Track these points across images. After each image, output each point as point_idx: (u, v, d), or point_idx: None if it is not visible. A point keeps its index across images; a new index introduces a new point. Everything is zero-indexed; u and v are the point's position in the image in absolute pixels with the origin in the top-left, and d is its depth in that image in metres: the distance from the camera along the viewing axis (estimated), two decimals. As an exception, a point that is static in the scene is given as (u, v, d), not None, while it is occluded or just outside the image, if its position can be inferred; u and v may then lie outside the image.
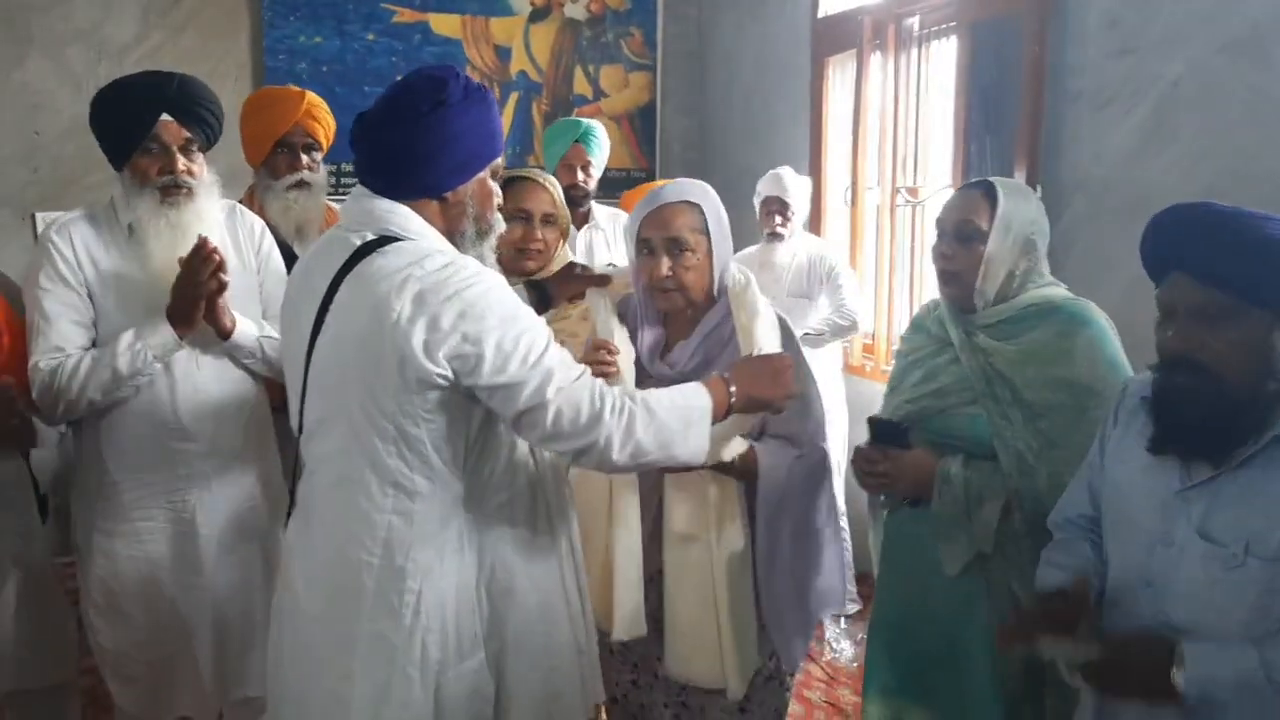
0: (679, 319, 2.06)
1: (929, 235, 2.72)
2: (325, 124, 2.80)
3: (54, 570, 2.42)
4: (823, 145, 4.35)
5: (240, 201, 2.66)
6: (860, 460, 1.97)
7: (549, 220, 2.34)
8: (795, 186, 3.86)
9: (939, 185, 3.78)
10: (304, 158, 2.73)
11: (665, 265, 1.96)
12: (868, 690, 2.13)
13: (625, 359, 2.02)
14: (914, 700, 2.01)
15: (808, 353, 3.56)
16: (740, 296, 2.01)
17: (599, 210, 3.65)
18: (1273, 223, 1.39)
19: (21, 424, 2.13)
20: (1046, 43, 3.06)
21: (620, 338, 2.05)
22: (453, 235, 1.64)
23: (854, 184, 4.12)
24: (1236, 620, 1.38)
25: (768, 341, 1.95)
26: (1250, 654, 1.33)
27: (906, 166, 3.95)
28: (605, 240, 3.59)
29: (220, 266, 2.11)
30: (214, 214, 2.25)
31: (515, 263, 2.33)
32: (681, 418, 1.61)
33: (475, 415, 1.60)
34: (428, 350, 1.48)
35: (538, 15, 5.11)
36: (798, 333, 3.50)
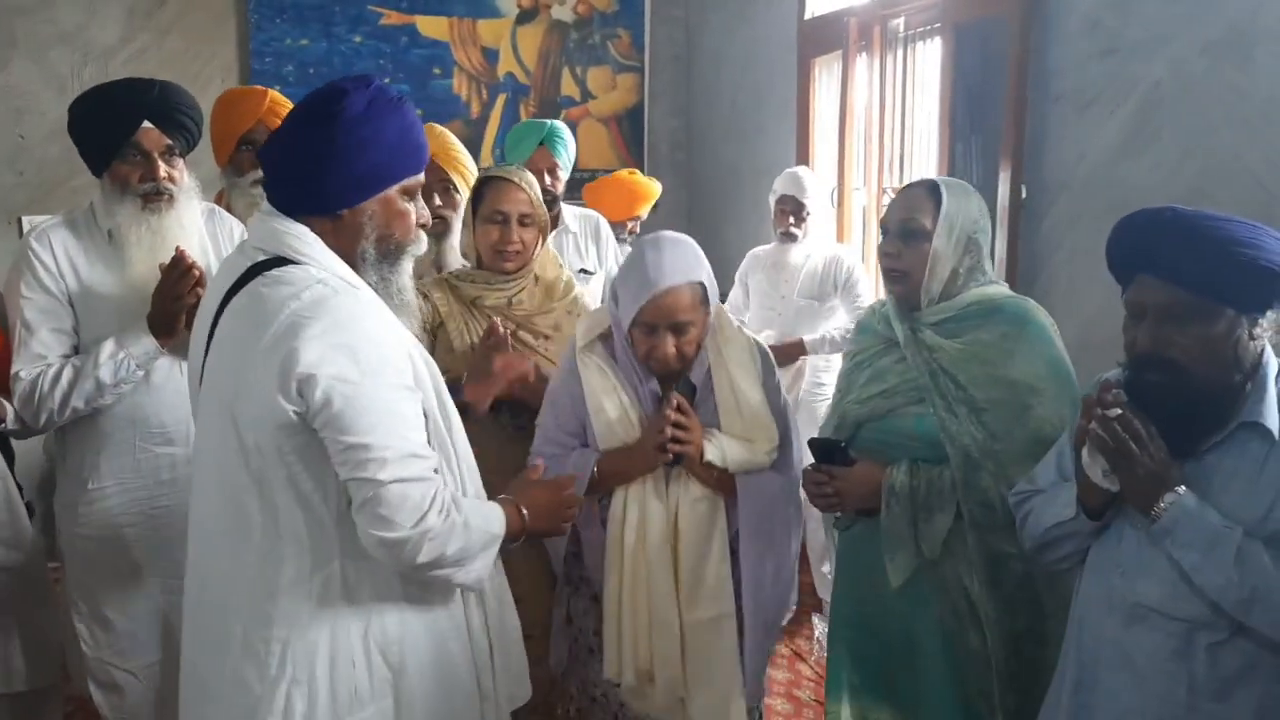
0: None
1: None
2: None
3: (43, 575, 2.42)
4: (809, 146, 4.36)
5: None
6: (809, 483, 1.99)
7: (526, 221, 2.32)
8: (812, 187, 3.74)
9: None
10: None
11: (671, 345, 1.96)
12: (831, 692, 2.15)
13: (615, 407, 2.03)
14: (879, 699, 2.04)
15: (826, 359, 3.66)
16: (716, 344, 2.04)
17: (568, 212, 3.54)
18: (1233, 225, 1.44)
19: None
20: (1030, 44, 3.08)
21: (609, 389, 2.05)
22: (350, 256, 1.54)
23: (840, 184, 4.13)
24: (1207, 600, 1.43)
25: (742, 380, 2.00)
26: (1238, 529, 1.41)
27: (892, 167, 3.97)
28: (576, 244, 3.49)
29: (199, 281, 2.11)
30: (195, 219, 2.25)
31: (494, 263, 2.33)
32: (482, 540, 1.53)
33: None
34: (284, 388, 1.39)
35: (525, 17, 5.12)
36: (816, 334, 3.61)
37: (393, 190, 1.54)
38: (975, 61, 3.46)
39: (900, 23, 3.86)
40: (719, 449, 1.97)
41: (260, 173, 2.61)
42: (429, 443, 1.50)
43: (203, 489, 1.55)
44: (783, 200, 3.75)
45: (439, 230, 2.66)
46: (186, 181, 2.22)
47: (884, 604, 1.97)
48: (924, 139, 3.84)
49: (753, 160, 4.81)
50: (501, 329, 2.21)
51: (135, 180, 2.14)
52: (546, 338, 2.35)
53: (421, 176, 1.59)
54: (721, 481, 2.00)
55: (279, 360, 1.40)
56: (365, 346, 1.43)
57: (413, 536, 1.42)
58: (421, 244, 1.62)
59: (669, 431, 1.94)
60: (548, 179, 3.34)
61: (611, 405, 2.02)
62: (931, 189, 1.91)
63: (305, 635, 1.46)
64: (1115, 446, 1.44)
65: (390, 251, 1.57)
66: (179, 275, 2.10)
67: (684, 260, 1.96)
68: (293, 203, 1.52)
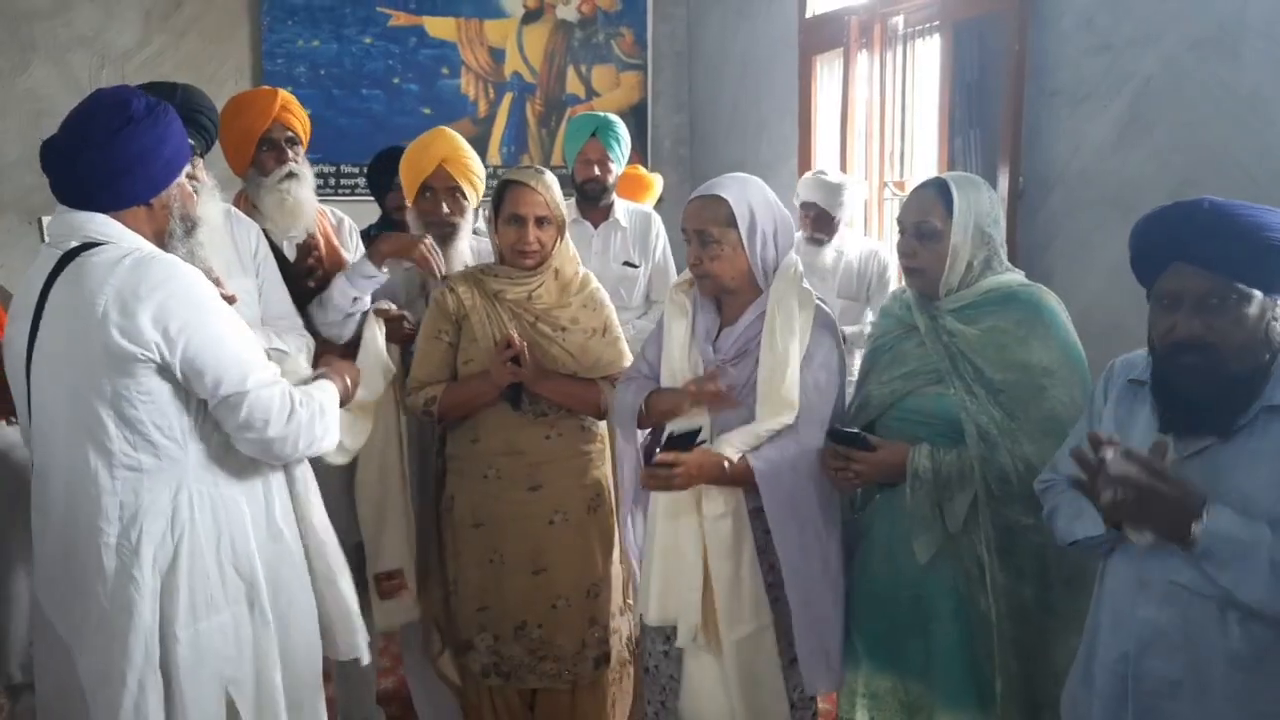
0: (731, 306, 2.20)
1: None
2: (301, 119, 2.83)
3: None
4: (811, 141, 4.45)
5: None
6: (828, 462, 2.07)
7: (543, 221, 2.42)
8: (833, 192, 3.63)
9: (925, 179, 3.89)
10: (289, 151, 2.76)
11: (693, 254, 2.13)
12: (846, 662, 2.23)
13: (678, 342, 2.20)
14: (881, 666, 2.14)
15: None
16: (775, 289, 2.14)
17: (620, 206, 3.59)
18: (1264, 212, 1.53)
19: None
20: (1027, 41, 3.18)
21: (680, 324, 2.21)
22: (161, 236, 1.82)
23: (842, 178, 4.23)
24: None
25: (785, 338, 2.08)
26: (1265, 531, 1.46)
27: (893, 161, 4.07)
28: (625, 239, 3.57)
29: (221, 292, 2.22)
30: (216, 218, 2.31)
31: (515, 261, 2.44)
32: (331, 408, 1.93)
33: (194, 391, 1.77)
34: (130, 336, 1.65)
35: (530, 17, 5.21)
36: (855, 327, 3.62)
37: (182, 176, 1.84)
38: (974, 58, 3.56)
39: (900, 20, 3.96)
40: (731, 445, 2.08)
41: (288, 168, 2.72)
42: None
43: (54, 458, 1.77)
44: (805, 206, 3.69)
45: (446, 234, 2.71)
46: (208, 181, 2.31)
47: (899, 573, 2.07)
48: (924, 134, 3.95)
49: (755, 156, 4.91)
50: (518, 341, 2.36)
51: None
52: (564, 329, 2.47)
53: (188, 164, 1.88)
54: (744, 474, 2.09)
55: (122, 318, 1.65)
56: (193, 291, 1.72)
57: (289, 431, 1.78)
58: (207, 216, 1.96)
59: (649, 482, 2.08)
60: (597, 169, 3.47)
61: (678, 342, 2.19)
62: (940, 189, 2.01)
63: (165, 552, 1.73)
64: (1135, 504, 1.47)
65: (190, 227, 1.87)
66: None
67: (725, 181, 2.15)
68: (101, 201, 1.75)
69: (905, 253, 2.05)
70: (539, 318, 2.46)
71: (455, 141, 2.75)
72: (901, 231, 2.07)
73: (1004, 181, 3.26)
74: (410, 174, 2.72)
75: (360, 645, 2.06)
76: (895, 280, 3.67)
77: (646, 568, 2.23)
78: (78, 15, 4.51)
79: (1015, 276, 2.06)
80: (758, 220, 2.12)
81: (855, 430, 2.05)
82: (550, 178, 2.48)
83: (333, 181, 4.87)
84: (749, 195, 2.13)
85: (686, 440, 2.07)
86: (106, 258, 1.69)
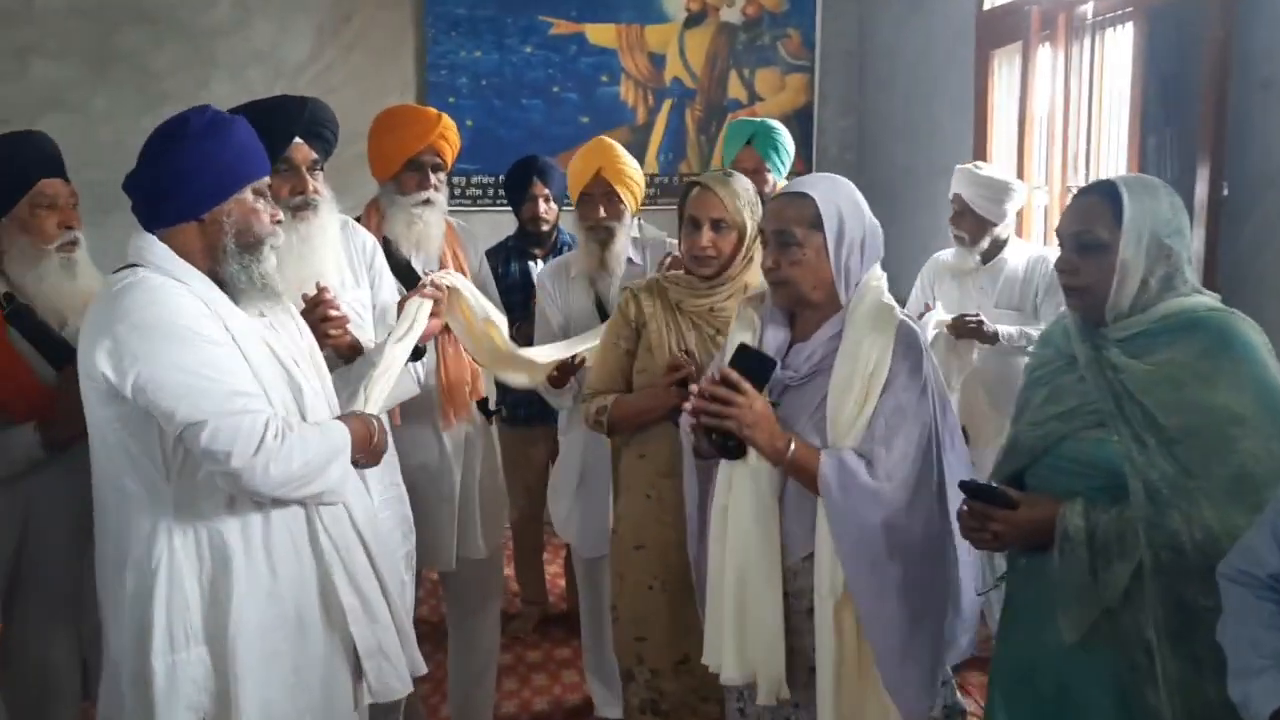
0: (804, 320, 1.98)
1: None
2: (453, 145, 2.82)
3: None
4: (988, 143, 4.13)
5: (359, 218, 2.73)
6: (965, 521, 1.79)
7: (719, 225, 2.29)
8: (984, 187, 3.25)
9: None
10: (432, 177, 2.75)
11: (770, 257, 1.93)
12: None
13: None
14: None
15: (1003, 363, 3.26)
16: (855, 305, 1.92)
17: None
18: None
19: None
20: (1233, 26, 2.80)
21: (745, 339, 1.98)
22: (215, 251, 1.77)
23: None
24: None
25: (863, 358, 1.85)
26: None
27: (1078, 164, 3.70)
28: None
29: (331, 313, 2.18)
30: (334, 229, 2.33)
31: (692, 267, 2.35)
32: (326, 450, 1.75)
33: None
34: (88, 365, 1.65)
35: (693, 21, 5.07)
36: (1014, 329, 3.22)
37: (245, 192, 1.78)
38: (1170, 47, 3.19)
39: (1088, 9, 3.58)
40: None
41: (426, 195, 2.72)
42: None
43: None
44: (953, 200, 3.38)
45: (603, 238, 2.84)
46: (326, 193, 2.32)
47: (1044, 654, 1.77)
48: (1112, 133, 3.56)
49: (928, 160, 4.60)
50: (686, 364, 2.29)
51: (285, 193, 2.22)
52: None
53: (267, 179, 1.82)
54: (803, 464, 1.85)
55: (94, 342, 1.65)
56: (164, 318, 1.65)
57: (256, 463, 1.64)
58: (279, 236, 1.84)
59: (696, 404, 1.87)
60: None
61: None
62: (1109, 193, 1.70)
63: (147, 580, 1.71)
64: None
65: (250, 244, 1.79)
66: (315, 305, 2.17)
67: (813, 179, 1.98)
68: (159, 217, 1.76)
69: (1065, 269, 1.75)
70: (720, 330, 2.32)
71: (611, 149, 2.90)
72: (1061, 244, 1.77)
73: (1203, 187, 2.88)
74: (572, 181, 2.90)
75: (392, 689, 1.93)
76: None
77: (715, 616, 1.99)
78: (255, 31, 4.67)
79: (1203, 299, 1.71)
80: (846, 225, 1.90)
81: (992, 484, 1.77)
82: (740, 183, 2.34)
83: (491, 192, 4.87)
84: (838, 197, 1.92)
85: (758, 366, 1.86)
86: (111, 285, 1.72)
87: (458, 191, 4.84)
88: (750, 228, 2.29)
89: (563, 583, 4.12)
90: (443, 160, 2.80)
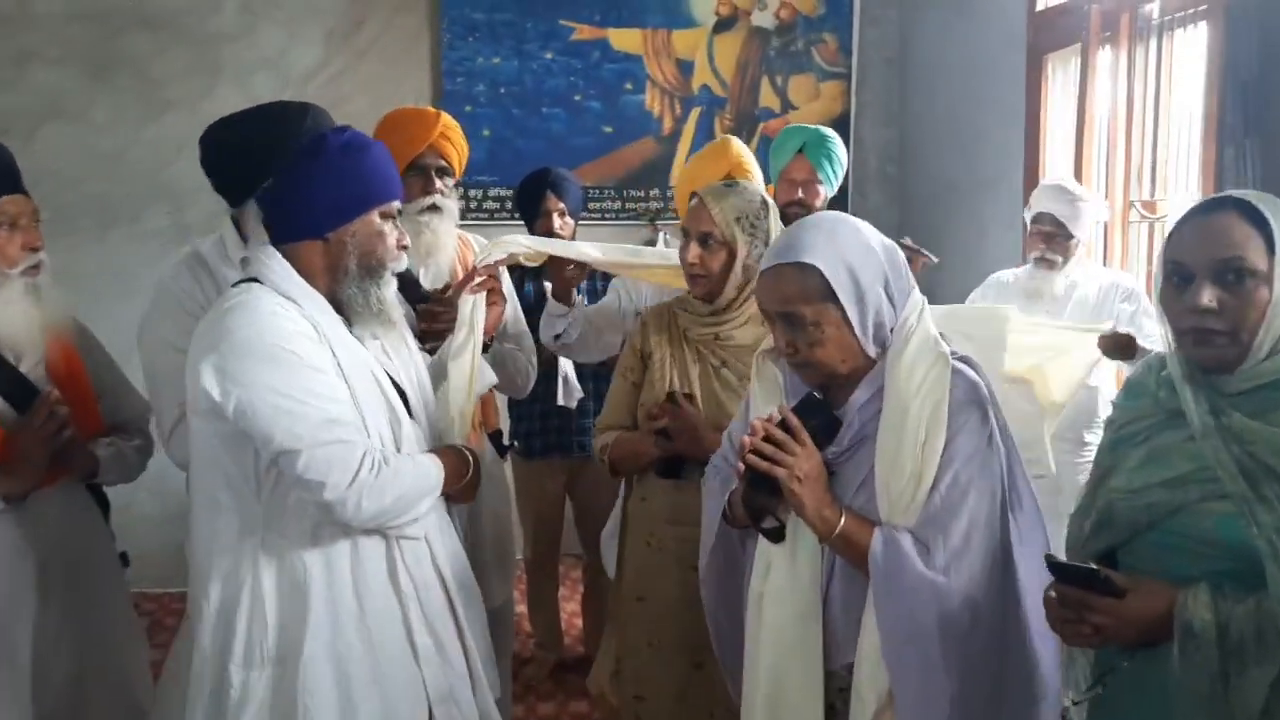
0: (836, 389, 1.66)
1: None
2: (458, 146, 2.59)
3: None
4: (1040, 155, 3.84)
5: None
6: (1056, 612, 1.47)
7: (705, 240, 2.10)
8: (1078, 205, 3.11)
9: (1182, 199, 3.21)
10: (436, 181, 2.53)
11: (782, 340, 1.61)
12: None
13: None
14: None
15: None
16: (894, 358, 1.59)
17: None
18: None
19: (75, 450, 2.09)
20: (1329, 23, 2.49)
21: (771, 405, 1.70)
22: (336, 272, 1.76)
23: (1077, 199, 3.58)
24: None
25: (912, 420, 1.54)
26: None
27: (1142, 177, 3.40)
28: None
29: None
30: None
31: (689, 285, 2.18)
32: (420, 486, 1.76)
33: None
34: (204, 380, 1.62)
35: (722, 25, 4.81)
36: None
37: (372, 214, 1.77)
38: (1251, 48, 2.88)
39: (1154, 8, 3.29)
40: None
41: (432, 200, 2.53)
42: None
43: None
44: (1039, 218, 3.15)
45: None
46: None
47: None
48: (1182, 144, 3.26)
49: (973, 173, 4.30)
50: (667, 413, 2.13)
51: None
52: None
53: (397, 203, 1.82)
54: (852, 538, 1.56)
55: (200, 359, 1.64)
56: (257, 343, 1.63)
57: (349, 495, 1.63)
58: (402, 262, 1.82)
59: (748, 441, 1.58)
60: (801, 192, 2.96)
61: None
62: (1246, 212, 1.39)
63: (232, 591, 1.70)
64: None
65: (373, 267, 1.78)
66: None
67: (805, 236, 1.60)
68: (287, 232, 1.76)
69: (1200, 307, 1.39)
70: (726, 362, 2.13)
71: (744, 157, 2.75)
72: (1182, 277, 1.42)
73: (1293, 203, 2.56)
74: (696, 184, 2.67)
75: None
76: (1152, 319, 2.89)
77: (750, 700, 1.69)
78: (262, 37, 4.49)
79: None
80: (863, 281, 1.57)
81: (1091, 566, 1.44)
82: (739, 197, 2.11)
83: (509, 205, 4.63)
84: (842, 250, 1.58)
85: (824, 423, 1.59)
86: (222, 300, 1.73)
87: (474, 205, 4.63)
88: (742, 248, 2.08)
89: (580, 623, 3.85)
90: (448, 163, 2.57)
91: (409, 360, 1.93)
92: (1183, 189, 3.24)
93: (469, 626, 1.88)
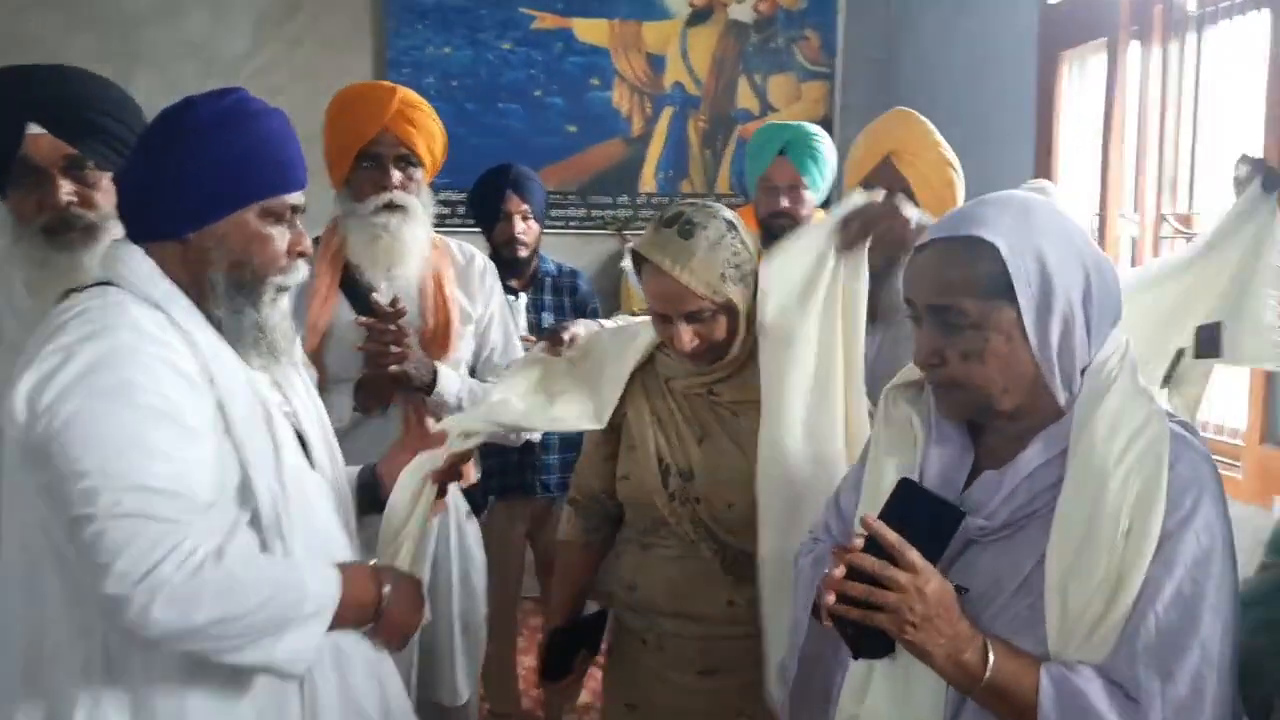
0: (999, 435, 1.23)
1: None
2: (425, 130, 2.16)
3: None
4: (1053, 164, 3.50)
5: (319, 238, 2.13)
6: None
7: (695, 317, 1.64)
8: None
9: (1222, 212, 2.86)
10: (395, 173, 2.11)
11: (927, 346, 1.18)
12: None
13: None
14: None
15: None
16: (1089, 409, 1.15)
17: None
18: None
19: None
20: None
21: (903, 462, 1.27)
22: (200, 286, 1.37)
23: (1102, 211, 3.24)
24: None
25: (1112, 501, 1.09)
26: None
27: (1177, 188, 3.06)
28: None
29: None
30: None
31: (691, 362, 1.73)
32: (278, 611, 1.25)
33: None
34: (14, 409, 1.23)
35: (697, 18, 4.44)
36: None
37: (249, 211, 1.37)
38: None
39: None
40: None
41: (388, 197, 2.11)
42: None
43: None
44: None
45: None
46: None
47: None
48: (1226, 151, 2.92)
49: (975, 184, 3.93)
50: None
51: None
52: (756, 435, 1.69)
53: (293, 197, 1.40)
54: (1007, 685, 1.11)
55: (20, 381, 1.24)
56: (112, 362, 1.25)
57: (136, 593, 1.17)
58: (296, 274, 1.43)
59: (837, 577, 1.13)
60: (785, 200, 2.58)
61: (897, 471, 1.26)
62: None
63: (63, 716, 1.27)
64: None
65: (246, 281, 1.38)
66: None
67: (980, 212, 1.19)
68: (140, 228, 1.38)
69: None
70: (721, 418, 1.73)
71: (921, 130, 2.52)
72: None
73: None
74: (852, 170, 2.40)
75: None
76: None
77: None
78: (187, 20, 4.10)
79: None
80: (1055, 285, 1.15)
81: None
82: (706, 237, 1.62)
83: (461, 210, 4.19)
84: (1036, 235, 1.16)
85: (932, 518, 1.14)
86: (68, 307, 1.32)
87: (421, 210, 4.19)
88: (741, 301, 1.65)
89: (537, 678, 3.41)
90: (410, 150, 2.14)
91: (304, 396, 1.53)
92: (1226, 202, 2.91)
93: None
